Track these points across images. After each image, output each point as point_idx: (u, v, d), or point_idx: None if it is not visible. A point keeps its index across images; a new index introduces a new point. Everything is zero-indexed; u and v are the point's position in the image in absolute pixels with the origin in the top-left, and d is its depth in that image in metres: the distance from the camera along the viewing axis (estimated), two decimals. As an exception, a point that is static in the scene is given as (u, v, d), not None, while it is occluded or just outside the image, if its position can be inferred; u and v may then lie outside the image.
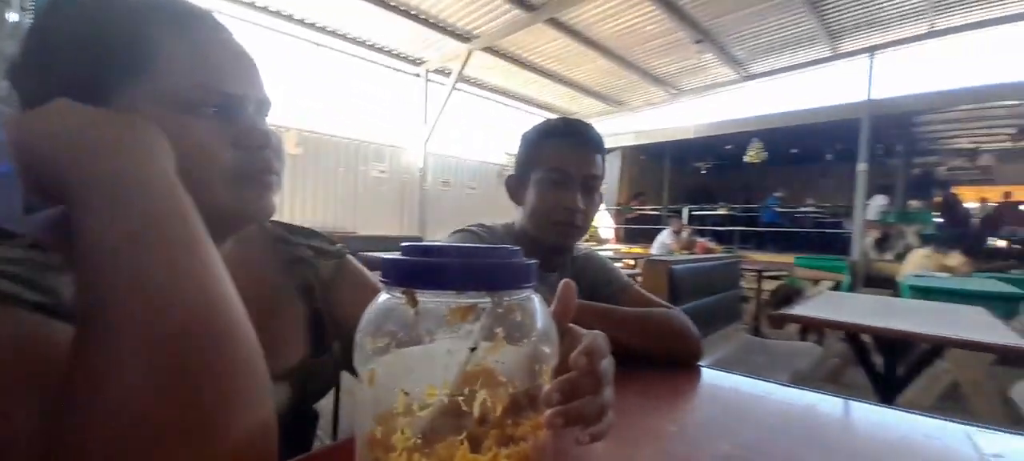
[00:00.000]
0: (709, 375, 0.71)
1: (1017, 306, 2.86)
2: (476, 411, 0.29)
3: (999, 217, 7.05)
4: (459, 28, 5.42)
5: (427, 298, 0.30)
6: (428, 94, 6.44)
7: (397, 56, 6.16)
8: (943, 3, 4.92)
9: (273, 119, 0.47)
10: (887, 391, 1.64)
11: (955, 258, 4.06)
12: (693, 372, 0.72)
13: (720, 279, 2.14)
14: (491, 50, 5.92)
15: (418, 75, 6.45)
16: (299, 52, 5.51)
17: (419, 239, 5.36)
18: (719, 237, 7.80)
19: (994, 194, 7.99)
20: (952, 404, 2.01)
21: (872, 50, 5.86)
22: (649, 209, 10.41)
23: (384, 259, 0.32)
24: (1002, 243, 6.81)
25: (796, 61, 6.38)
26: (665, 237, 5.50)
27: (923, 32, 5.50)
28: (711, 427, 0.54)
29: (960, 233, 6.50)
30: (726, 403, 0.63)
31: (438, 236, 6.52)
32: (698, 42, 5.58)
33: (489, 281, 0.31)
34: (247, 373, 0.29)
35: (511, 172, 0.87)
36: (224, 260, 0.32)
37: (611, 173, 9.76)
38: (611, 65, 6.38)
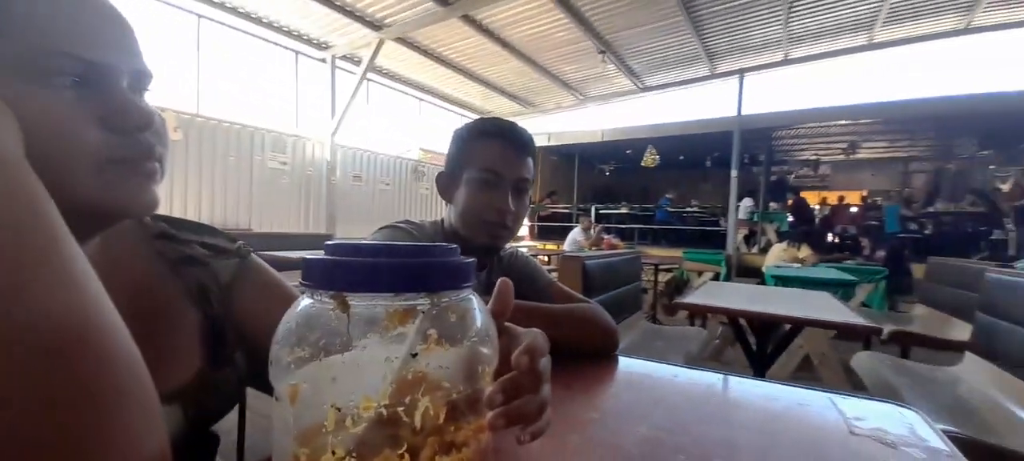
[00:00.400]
0: (624, 363, 0.76)
1: (852, 290, 3.52)
2: (418, 421, 0.27)
3: (834, 217, 8.59)
4: (368, 14, 5.15)
5: (359, 302, 0.28)
6: (335, 82, 6.01)
7: (299, 37, 5.66)
8: (794, 37, 5.88)
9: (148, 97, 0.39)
10: (760, 365, 1.91)
11: (804, 251, 4.86)
12: (611, 361, 0.77)
13: (625, 273, 2.31)
14: (404, 41, 5.72)
15: (324, 61, 5.99)
16: (178, 23, 4.81)
17: (329, 237, 4.99)
18: (621, 234, 8.43)
19: (832, 198, 9.70)
20: (806, 374, 2.41)
21: (741, 72, 6.82)
22: (561, 207, 10.89)
23: (308, 259, 0.28)
24: (837, 239, 8.29)
25: (682, 77, 7.21)
26: (577, 234, 5.78)
27: (779, 59, 6.52)
28: (629, 412, 0.58)
29: (806, 230, 7.80)
30: (640, 388, 0.67)
31: (349, 234, 6.14)
32: (601, 52, 5.98)
33: (428, 281, 0.29)
34: (130, 397, 0.23)
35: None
36: (92, 262, 0.26)
37: (524, 172, 10.07)
38: (524, 67, 6.55)
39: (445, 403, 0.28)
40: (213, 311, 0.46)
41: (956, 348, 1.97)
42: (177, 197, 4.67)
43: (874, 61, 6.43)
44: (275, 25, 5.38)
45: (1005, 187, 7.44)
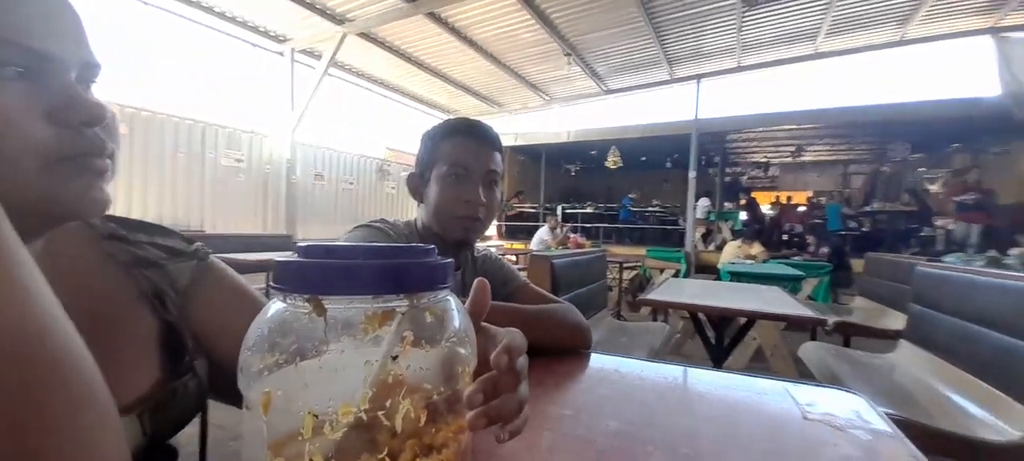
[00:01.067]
0: (594, 359, 0.78)
1: (800, 284, 3.74)
2: (399, 424, 0.27)
3: (783, 216, 9.09)
4: (330, 8, 4.99)
5: (336, 305, 0.27)
6: (294, 77, 5.76)
7: (254, 29, 5.40)
8: (747, 45, 6.19)
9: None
10: (718, 358, 2.00)
11: (756, 248, 5.13)
12: (581, 357, 0.78)
13: (591, 271, 2.35)
14: (369, 37, 5.58)
15: (282, 54, 5.75)
16: (118, 8, 4.49)
17: (289, 238, 4.81)
18: (587, 233, 8.60)
19: (781, 197, 10.25)
20: (759, 364, 2.54)
21: (698, 77, 7.12)
22: (528, 207, 10.97)
23: (281, 262, 0.28)
24: (786, 236, 8.78)
25: (643, 81, 7.43)
26: (543, 233, 5.83)
27: (733, 66, 6.85)
28: (600, 407, 0.59)
29: (758, 229, 8.23)
30: (611, 383, 0.69)
31: (310, 235, 5.92)
32: (567, 54, 6.07)
33: (407, 282, 0.29)
34: (87, 410, 0.22)
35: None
36: (37, 263, 0.24)
37: (490, 172, 10.12)
38: (491, 67, 6.54)
39: (424, 405, 0.28)
40: (170, 316, 0.44)
41: (892, 336, 2.11)
42: (120, 197, 4.36)
43: (818, 70, 6.87)
44: (227, 15, 5.12)
45: (934, 187, 8.12)
